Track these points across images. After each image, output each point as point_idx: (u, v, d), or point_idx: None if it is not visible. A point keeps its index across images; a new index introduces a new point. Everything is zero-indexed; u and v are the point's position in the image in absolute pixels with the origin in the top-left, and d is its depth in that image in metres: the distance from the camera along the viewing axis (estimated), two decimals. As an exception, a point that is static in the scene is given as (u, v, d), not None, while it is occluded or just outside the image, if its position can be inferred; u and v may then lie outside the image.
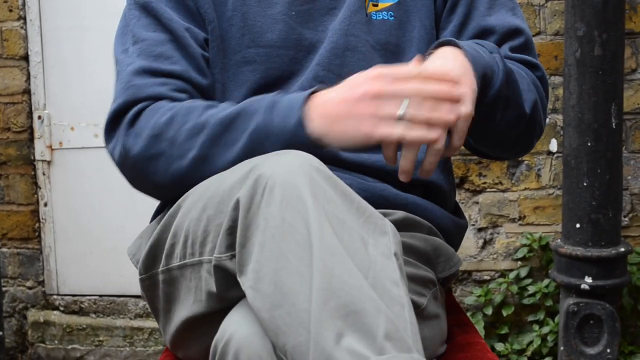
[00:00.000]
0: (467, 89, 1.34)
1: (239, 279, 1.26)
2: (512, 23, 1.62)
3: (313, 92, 1.39)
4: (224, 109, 1.44)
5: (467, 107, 1.33)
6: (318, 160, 1.30)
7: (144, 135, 1.46)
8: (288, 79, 1.60)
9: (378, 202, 1.47)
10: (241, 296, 1.27)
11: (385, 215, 1.39)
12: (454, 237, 1.68)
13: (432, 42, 1.59)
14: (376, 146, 1.34)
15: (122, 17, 1.64)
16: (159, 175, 1.47)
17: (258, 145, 1.39)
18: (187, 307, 1.43)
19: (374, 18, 1.62)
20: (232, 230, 1.28)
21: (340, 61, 1.60)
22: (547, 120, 3.09)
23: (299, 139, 1.37)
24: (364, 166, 1.56)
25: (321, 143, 1.36)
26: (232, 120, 1.42)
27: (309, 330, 1.15)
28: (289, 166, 1.26)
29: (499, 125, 1.51)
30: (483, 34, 1.61)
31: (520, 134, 1.57)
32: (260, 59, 1.61)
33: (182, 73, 1.54)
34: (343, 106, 1.34)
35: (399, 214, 1.55)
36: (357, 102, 1.33)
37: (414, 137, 1.31)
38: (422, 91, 1.31)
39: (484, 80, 1.42)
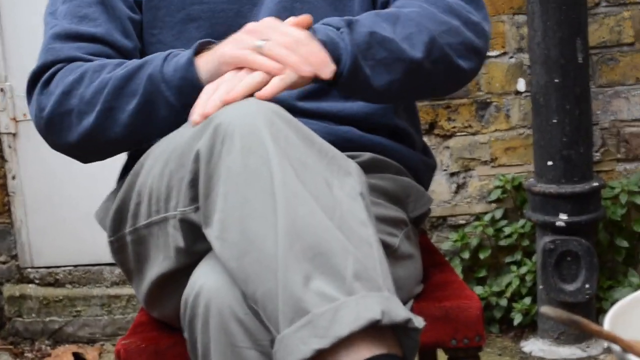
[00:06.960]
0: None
1: (204, 231, 1.26)
2: None
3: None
4: (129, 64, 1.48)
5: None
6: (277, 105, 1.28)
7: (55, 93, 1.50)
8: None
9: (343, 145, 1.45)
10: (209, 249, 1.26)
11: (351, 157, 1.38)
12: (423, 175, 1.67)
13: None
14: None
15: None
16: (71, 132, 1.50)
17: (155, 90, 1.42)
18: (157, 265, 1.42)
19: None
20: (194, 183, 1.27)
21: (289, 13, 1.56)
22: (513, 59, 3.07)
23: (190, 76, 1.40)
24: (325, 112, 1.56)
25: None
26: (133, 72, 1.45)
27: (277, 276, 1.14)
28: (247, 112, 1.25)
29: (388, 83, 1.45)
30: None
31: (426, 77, 1.49)
32: (204, 15, 1.61)
33: (104, 36, 1.56)
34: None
35: (366, 155, 1.54)
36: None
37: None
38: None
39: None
